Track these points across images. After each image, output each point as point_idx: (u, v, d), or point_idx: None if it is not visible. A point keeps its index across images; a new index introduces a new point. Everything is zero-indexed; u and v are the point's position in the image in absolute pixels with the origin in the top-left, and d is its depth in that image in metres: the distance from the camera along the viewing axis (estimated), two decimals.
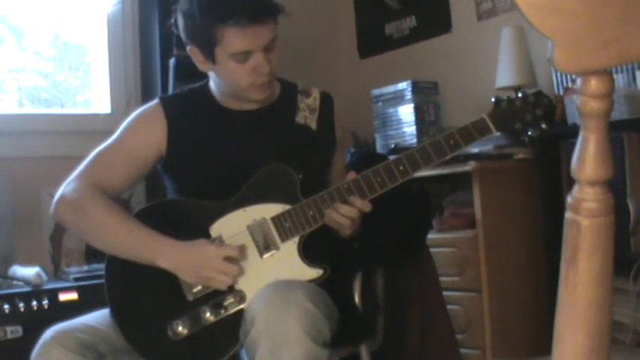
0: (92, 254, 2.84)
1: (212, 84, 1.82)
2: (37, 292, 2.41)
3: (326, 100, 1.84)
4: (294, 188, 1.66)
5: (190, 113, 1.79)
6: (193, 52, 1.72)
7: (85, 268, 2.75)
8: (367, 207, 1.62)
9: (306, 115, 1.80)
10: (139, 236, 1.62)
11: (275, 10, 1.66)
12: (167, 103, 1.79)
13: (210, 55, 1.68)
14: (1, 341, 2.28)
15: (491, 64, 2.93)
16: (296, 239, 1.63)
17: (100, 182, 1.69)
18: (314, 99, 1.82)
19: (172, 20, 1.81)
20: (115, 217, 1.65)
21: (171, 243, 1.60)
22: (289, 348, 1.39)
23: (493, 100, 1.64)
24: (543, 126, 1.63)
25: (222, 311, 1.59)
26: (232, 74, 1.69)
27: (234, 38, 1.63)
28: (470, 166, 2.59)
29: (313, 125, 1.79)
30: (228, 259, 1.58)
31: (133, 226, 1.63)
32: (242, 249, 1.61)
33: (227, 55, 1.65)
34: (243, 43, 1.63)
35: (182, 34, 1.74)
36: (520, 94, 1.66)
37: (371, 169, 1.64)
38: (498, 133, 1.65)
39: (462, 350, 2.46)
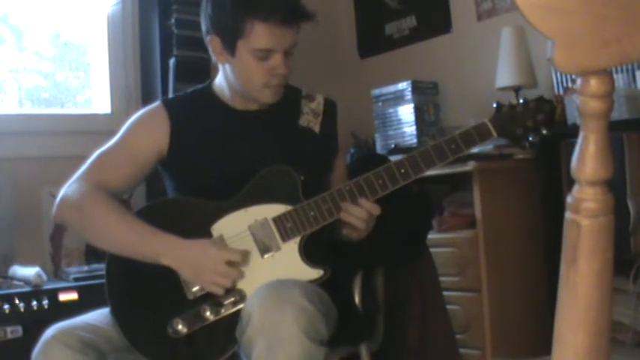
0: (92, 254, 2.83)
1: (218, 82, 1.82)
2: (37, 292, 2.40)
3: (330, 106, 1.85)
4: (295, 189, 1.66)
5: (193, 114, 1.79)
6: (213, 41, 1.72)
7: (85, 268, 2.74)
8: (376, 210, 1.63)
9: (310, 118, 1.81)
10: (141, 234, 1.62)
11: (307, 16, 1.69)
12: (169, 105, 1.80)
13: (230, 47, 1.69)
14: (1, 341, 2.28)
15: (491, 64, 2.93)
16: (297, 240, 1.63)
17: (101, 183, 1.70)
18: (318, 104, 1.84)
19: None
20: (117, 215, 1.65)
21: (173, 240, 1.60)
22: (286, 346, 1.39)
23: (495, 105, 1.66)
24: (544, 132, 1.65)
25: (223, 310, 1.60)
26: (248, 70, 1.70)
27: (261, 34, 1.65)
28: (470, 166, 2.60)
29: (316, 129, 1.80)
30: (230, 263, 1.58)
31: (135, 224, 1.63)
32: (244, 253, 1.61)
33: (248, 50, 1.67)
34: (269, 42, 1.65)
35: (205, 22, 1.74)
36: (522, 100, 1.68)
37: (372, 172, 1.64)
38: (499, 138, 1.67)
39: (462, 350, 2.46)
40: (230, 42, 1.68)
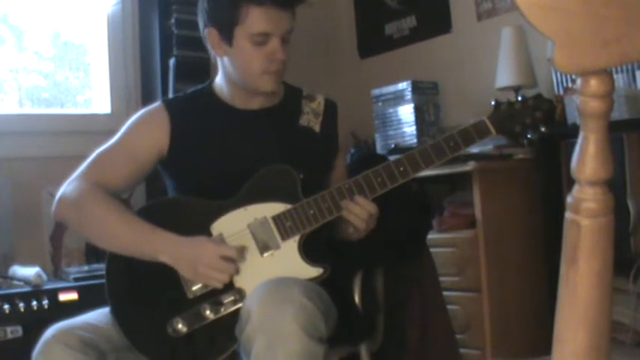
0: (92, 254, 2.84)
1: (218, 82, 1.82)
2: (37, 292, 2.40)
3: (330, 106, 1.86)
4: (295, 188, 1.66)
5: (193, 114, 1.79)
6: (211, 34, 1.73)
7: (85, 268, 2.74)
8: (373, 209, 1.63)
9: (310, 118, 1.81)
10: (139, 232, 1.62)
11: None
12: (170, 105, 1.80)
13: (228, 37, 1.70)
14: (1, 341, 2.28)
15: (492, 64, 2.93)
16: (296, 238, 1.64)
17: (100, 182, 1.70)
18: (318, 104, 1.84)
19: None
20: (116, 214, 1.65)
21: (171, 237, 1.61)
22: (285, 343, 1.39)
23: (493, 102, 1.66)
24: (542, 129, 1.65)
25: (222, 309, 1.60)
26: (247, 57, 1.70)
27: (257, 18, 1.66)
28: (470, 166, 2.60)
29: (317, 128, 1.81)
30: (226, 259, 1.58)
31: (134, 222, 1.64)
32: (241, 249, 1.61)
33: (246, 36, 1.67)
34: (266, 25, 1.66)
35: (202, 17, 1.76)
36: (520, 97, 1.68)
37: (371, 170, 1.65)
38: (498, 135, 1.67)
39: (462, 350, 2.46)
40: (227, 31, 1.69)
